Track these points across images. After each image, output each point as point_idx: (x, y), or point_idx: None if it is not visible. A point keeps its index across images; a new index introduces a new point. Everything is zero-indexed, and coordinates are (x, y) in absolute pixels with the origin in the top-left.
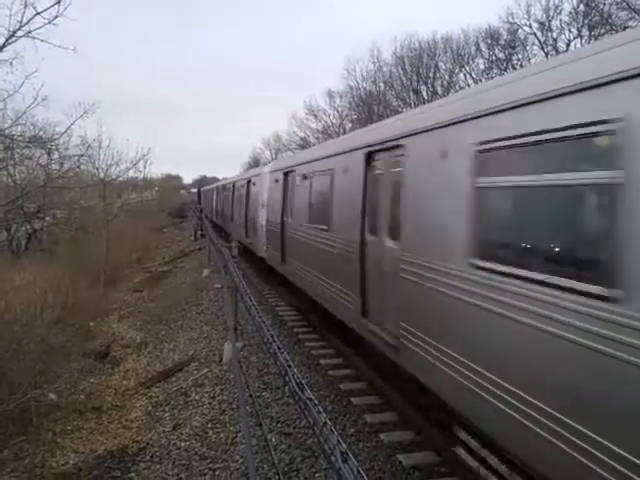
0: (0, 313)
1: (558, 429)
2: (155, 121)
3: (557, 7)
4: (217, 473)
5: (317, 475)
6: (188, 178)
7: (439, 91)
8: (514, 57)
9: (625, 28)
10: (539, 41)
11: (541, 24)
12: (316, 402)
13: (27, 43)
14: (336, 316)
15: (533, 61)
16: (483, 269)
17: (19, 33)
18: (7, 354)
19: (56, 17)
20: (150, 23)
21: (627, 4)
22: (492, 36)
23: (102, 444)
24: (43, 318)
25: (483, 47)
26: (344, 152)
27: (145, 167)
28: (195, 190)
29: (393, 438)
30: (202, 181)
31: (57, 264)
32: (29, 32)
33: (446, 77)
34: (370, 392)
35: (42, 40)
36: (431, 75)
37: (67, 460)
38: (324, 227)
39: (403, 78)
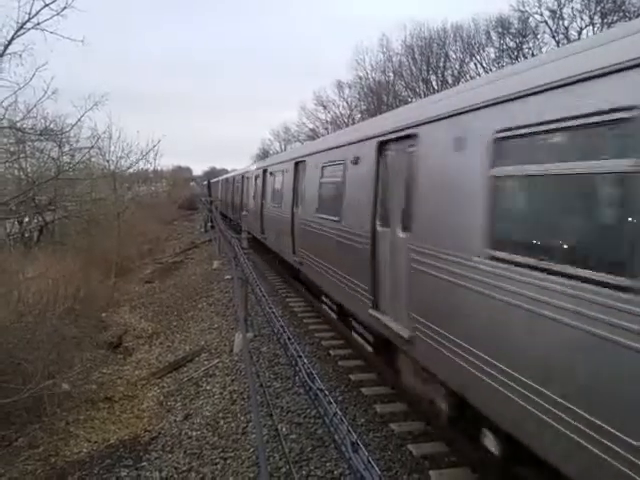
0: (13, 304)
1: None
2: (165, 114)
3: None
4: (228, 462)
5: (327, 465)
6: (198, 170)
7: (449, 80)
8: (525, 46)
9: (639, 15)
10: (550, 29)
11: (552, 12)
12: (326, 392)
13: (36, 36)
14: None
15: (544, 50)
16: None
17: (28, 25)
18: (21, 344)
19: (64, 8)
20: (156, 17)
21: None
22: (503, 25)
23: (114, 433)
24: (55, 309)
25: (494, 36)
26: None
27: (155, 159)
28: (205, 182)
29: (403, 428)
30: (212, 173)
31: (69, 256)
32: (38, 24)
33: (456, 66)
34: (380, 383)
35: (51, 32)
36: (441, 64)
37: (80, 449)
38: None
39: (413, 68)
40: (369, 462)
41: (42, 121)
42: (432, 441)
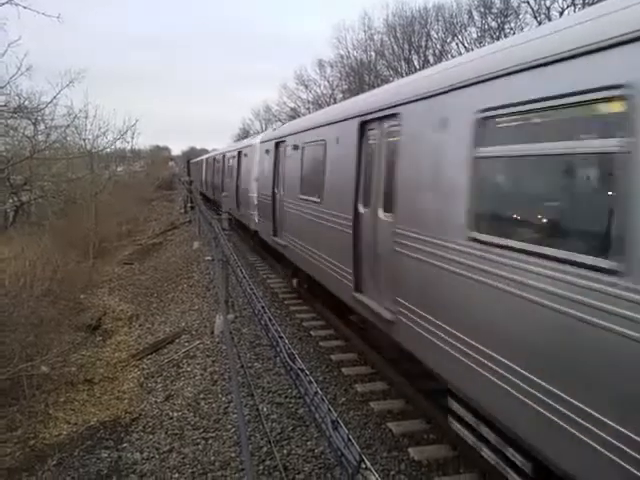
0: None
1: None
2: (143, 93)
3: None
4: (209, 442)
5: (308, 443)
6: (177, 150)
7: (431, 60)
8: (507, 26)
9: None
10: (532, 9)
11: None
12: (307, 372)
13: (10, 10)
14: None
15: (526, 29)
16: None
17: (1, 0)
18: None
19: None
20: None
21: None
22: (485, 4)
23: (94, 415)
24: (33, 291)
25: (476, 15)
26: None
27: (133, 138)
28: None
29: (383, 407)
30: (191, 152)
31: (46, 237)
32: None
33: (438, 46)
34: (360, 362)
35: (25, 7)
36: (423, 44)
37: (60, 431)
38: None
39: (394, 47)
40: (349, 440)
41: (16, 98)
42: (412, 419)
